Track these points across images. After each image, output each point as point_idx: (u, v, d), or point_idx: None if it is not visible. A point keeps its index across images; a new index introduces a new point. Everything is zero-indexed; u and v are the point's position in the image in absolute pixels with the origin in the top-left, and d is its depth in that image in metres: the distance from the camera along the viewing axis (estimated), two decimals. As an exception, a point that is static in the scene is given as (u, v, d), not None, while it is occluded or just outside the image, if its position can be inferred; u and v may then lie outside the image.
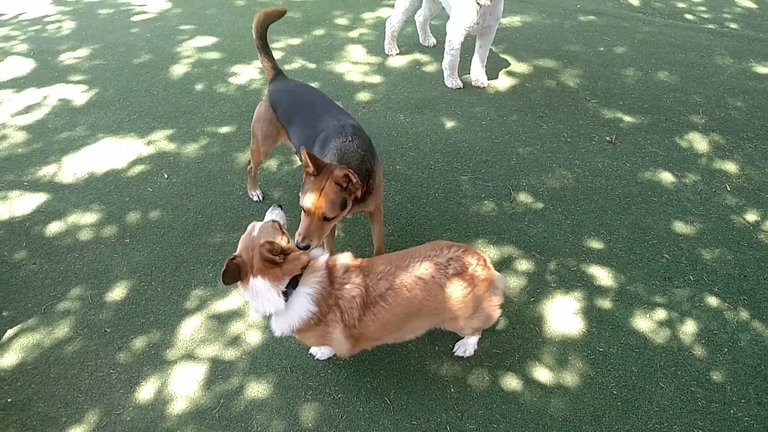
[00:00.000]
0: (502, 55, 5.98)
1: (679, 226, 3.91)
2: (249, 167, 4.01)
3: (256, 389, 2.96)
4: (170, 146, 4.62)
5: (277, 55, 5.95)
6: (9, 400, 2.91)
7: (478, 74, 5.43)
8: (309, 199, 2.70)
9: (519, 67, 5.79)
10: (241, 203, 4.08)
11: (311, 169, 2.69)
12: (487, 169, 4.42)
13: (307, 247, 2.69)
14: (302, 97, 3.42)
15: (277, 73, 3.63)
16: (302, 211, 2.76)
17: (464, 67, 5.58)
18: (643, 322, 3.30)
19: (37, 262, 3.64)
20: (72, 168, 4.38)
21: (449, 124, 4.93)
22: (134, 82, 5.48)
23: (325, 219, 2.74)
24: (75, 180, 4.27)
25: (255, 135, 3.67)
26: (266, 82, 5.11)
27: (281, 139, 3.62)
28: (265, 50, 3.60)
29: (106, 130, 4.80)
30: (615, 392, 2.96)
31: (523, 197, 4.16)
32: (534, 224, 3.93)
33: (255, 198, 4.10)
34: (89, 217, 3.95)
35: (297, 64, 5.82)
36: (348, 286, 2.52)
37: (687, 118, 4.99)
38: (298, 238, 2.71)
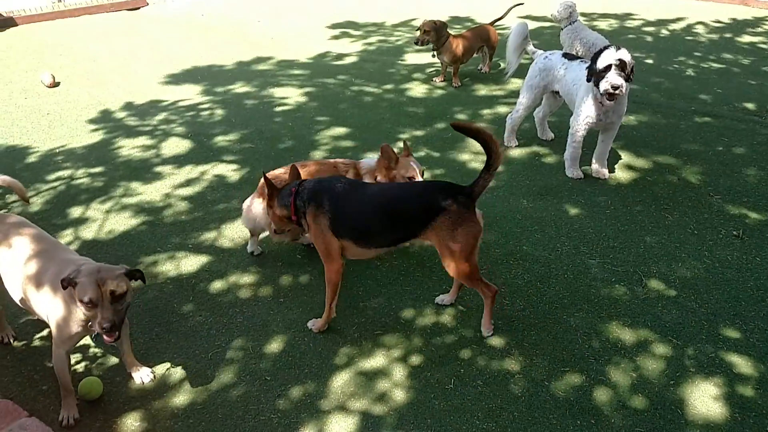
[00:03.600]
0: (620, 151, 6.21)
1: (819, 320, 3.88)
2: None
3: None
4: (313, 220, 5.07)
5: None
6: (184, 433, 3.23)
7: (599, 165, 5.67)
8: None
9: (638, 162, 6.00)
10: (378, 271, 4.40)
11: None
12: (615, 254, 4.57)
13: None
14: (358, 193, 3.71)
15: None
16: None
17: (584, 160, 5.84)
18: (791, 413, 3.26)
19: (202, 315, 4.05)
20: (230, 234, 4.89)
21: (573, 210, 5.15)
22: (280, 163, 6.03)
23: None
24: (233, 245, 4.76)
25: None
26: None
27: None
28: None
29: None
30: (766, 478, 2.93)
31: (655, 284, 4.25)
32: (668, 310, 4.00)
33: None
34: (247, 278, 4.38)
35: (422, 152, 6.28)
36: None
37: (817, 217, 4.98)
38: None
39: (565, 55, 5.75)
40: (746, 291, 4.16)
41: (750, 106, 7.62)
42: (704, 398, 3.36)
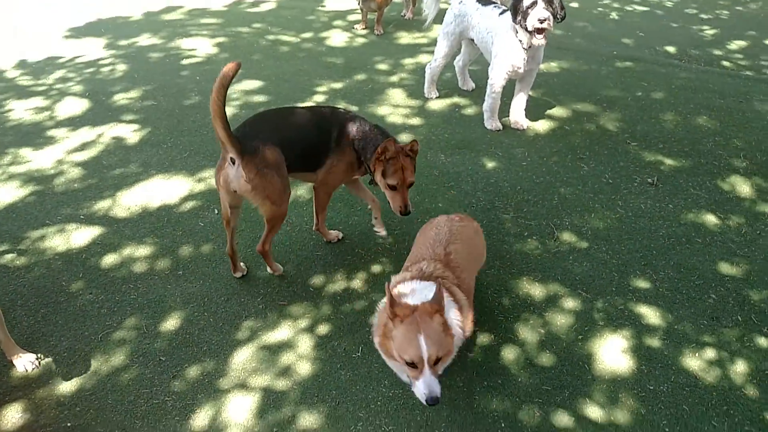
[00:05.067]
0: (540, 100, 6.10)
1: (725, 267, 3.91)
2: (266, 246, 3.68)
3: (308, 419, 3.00)
4: (219, 183, 4.78)
5: (320, 98, 6.17)
6: (68, 424, 2.99)
7: (517, 117, 5.54)
8: (397, 177, 3.46)
9: (558, 111, 5.90)
10: (287, 237, 4.19)
11: (391, 152, 3.42)
12: (530, 208, 4.48)
13: (410, 213, 3.58)
14: (286, 111, 3.74)
15: (237, 138, 3.29)
16: (390, 189, 3.52)
17: (503, 110, 5.69)
18: (693, 361, 3.27)
19: (93, 293, 3.76)
20: (126, 203, 4.55)
21: (490, 164, 5.02)
22: (185, 122, 5.70)
23: (409, 185, 3.55)
24: (129, 214, 4.43)
25: (280, 192, 3.42)
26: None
27: None
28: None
29: (158, 167, 4.99)
30: (667, 430, 2.93)
31: (567, 236, 4.20)
32: (579, 263, 3.96)
33: (279, 270, 3.92)
34: (143, 250, 4.08)
35: (340, 106, 6.00)
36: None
37: (728, 162, 5.01)
38: (401, 208, 3.54)
39: (480, 0, 5.50)
40: (658, 240, 4.16)
41: (671, 49, 7.63)
42: (612, 352, 3.34)
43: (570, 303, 3.66)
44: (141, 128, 5.60)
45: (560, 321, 3.54)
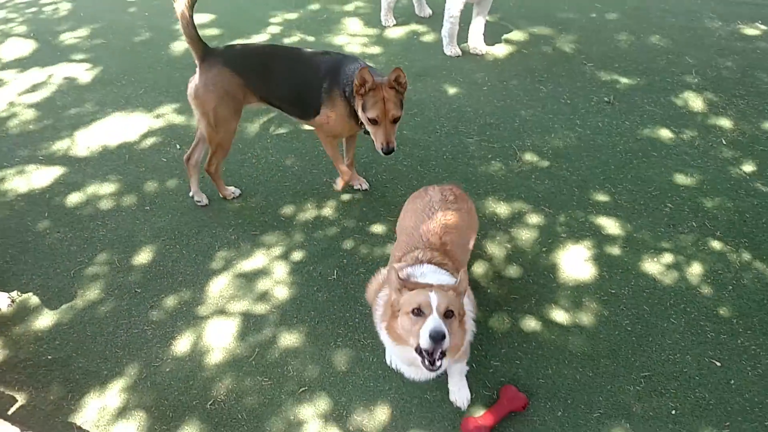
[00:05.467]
0: (497, 24, 6.09)
1: (680, 178, 4.08)
2: (211, 168, 3.68)
3: (289, 339, 3.09)
4: (179, 119, 4.70)
5: (274, 29, 6.04)
6: (49, 357, 3.01)
7: (476, 42, 5.55)
8: (377, 109, 3.12)
9: (515, 35, 5.92)
10: (254, 169, 4.18)
11: (370, 83, 3.09)
12: (492, 131, 4.55)
13: (393, 150, 3.22)
14: (270, 50, 3.58)
15: (206, 47, 3.36)
16: (372, 124, 3.19)
17: (462, 36, 5.68)
18: (652, 266, 3.46)
19: (61, 231, 3.72)
20: (85, 142, 4.45)
21: (451, 90, 5.05)
22: (137, 59, 5.53)
23: (394, 121, 3.22)
24: (90, 153, 4.34)
25: (220, 118, 3.42)
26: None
27: (245, 104, 3.54)
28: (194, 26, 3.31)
29: (114, 106, 4.86)
30: (629, 329, 3.12)
31: (529, 156, 4.30)
32: (541, 181, 4.08)
33: (233, 194, 3.95)
34: (108, 188, 4.03)
35: (296, 37, 5.90)
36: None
37: (681, 78, 5.15)
38: (383, 145, 3.20)
39: None
40: (615, 155, 4.29)
41: (622, -28, 7.64)
42: (575, 261, 3.50)
43: (534, 219, 3.79)
44: (93, 67, 5.41)
45: (525, 236, 3.67)
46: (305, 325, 3.15)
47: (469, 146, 4.42)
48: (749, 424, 2.70)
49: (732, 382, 2.87)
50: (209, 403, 2.81)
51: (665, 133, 4.49)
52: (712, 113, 4.71)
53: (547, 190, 4.00)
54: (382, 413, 2.76)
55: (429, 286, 2.28)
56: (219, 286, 3.37)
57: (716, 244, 3.59)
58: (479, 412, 2.71)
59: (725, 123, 4.60)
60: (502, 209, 3.85)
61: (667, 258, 3.51)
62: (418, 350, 2.18)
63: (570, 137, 4.47)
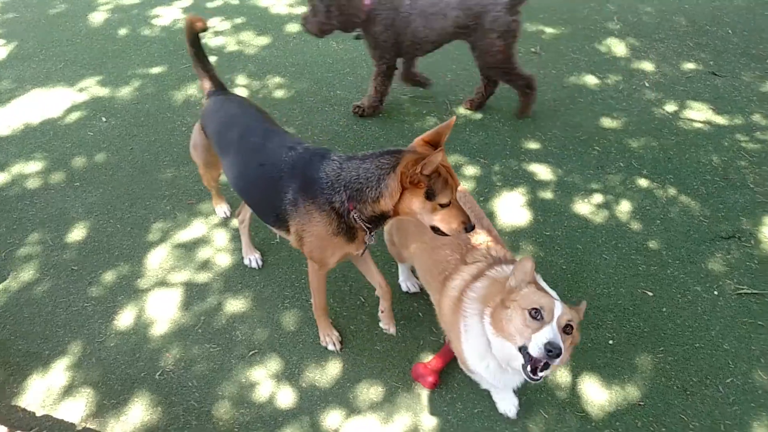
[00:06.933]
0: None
1: (606, 122, 4.22)
2: (214, 202, 3.54)
3: (235, 305, 3.08)
4: (103, 91, 4.53)
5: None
6: (-14, 342, 2.92)
7: None
8: (450, 188, 2.20)
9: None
10: (185, 138, 4.09)
11: (433, 164, 2.08)
12: (425, 88, 4.58)
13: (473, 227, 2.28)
14: (235, 119, 2.71)
15: (214, 86, 2.90)
16: (441, 209, 2.19)
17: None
18: (583, 207, 3.59)
19: (-14, 214, 3.57)
20: (5, 120, 4.25)
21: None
22: (54, 32, 5.27)
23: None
24: (12, 132, 4.15)
25: (196, 162, 3.14)
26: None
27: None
28: (200, 59, 2.90)
29: (33, 82, 4.64)
30: (564, 267, 3.25)
31: (463, 110, 4.36)
32: (475, 133, 4.15)
33: (222, 215, 3.59)
34: (34, 166, 3.87)
35: (219, 1, 5.74)
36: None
37: (603, 26, 5.29)
38: (465, 225, 2.23)
39: None
40: (544, 104, 4.40)
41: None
42: (511, 207, 3.60)
43: (471, 170, 3.86)
44: (7, 42, 5.14)
45: (463, 186, 3.74)
46: (251, 290, 3.15)
47: (404, 103, 4.44)
48: (681, 347, 2.87)
49: (664, 309, 3.04)
50: (158, 374, 2.79)
51: (591, 80, 4.62)
52: (634, 58, 4.87)
53: (482, 142, 4.07)
54: (333, 368, 2.80)
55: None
56: (158, 258, 3.31)
57: (643, 182, 3.75)
58: (428, 358, 2.78)
59: (647, 66, 4.76)
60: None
61: (598, 198, 3.65)
62: (524, 352, 1.97)
63: (500, 89, 4.54)
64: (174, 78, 4.66)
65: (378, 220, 2.33)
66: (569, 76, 4.67)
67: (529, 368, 1.95)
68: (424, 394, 2.68)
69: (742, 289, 3.13)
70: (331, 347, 2.87)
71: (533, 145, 4.04)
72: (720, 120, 4.22)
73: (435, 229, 2.29)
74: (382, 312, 2.79)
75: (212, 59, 3.82)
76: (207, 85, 2.91)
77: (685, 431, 2.55)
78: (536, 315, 1.94)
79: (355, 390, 2.71)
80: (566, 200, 3.65)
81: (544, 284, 2.27)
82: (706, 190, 3.69)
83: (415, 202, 2.21)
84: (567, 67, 4.77)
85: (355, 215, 2.29)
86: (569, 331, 1.96)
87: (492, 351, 2.14)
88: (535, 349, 1.89)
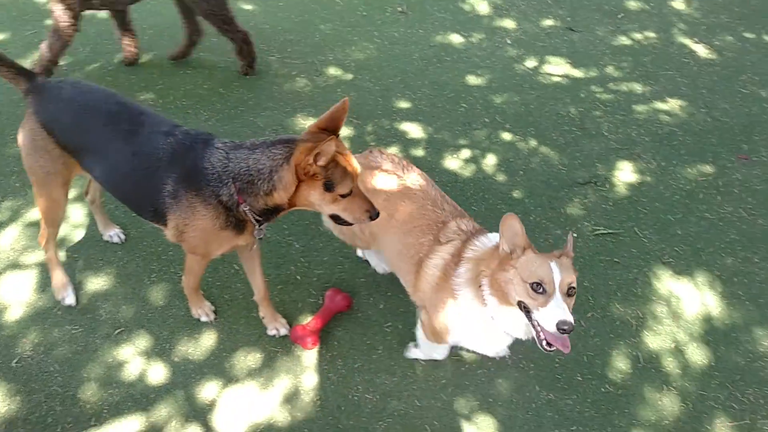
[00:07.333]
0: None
1: (472, 79, 4.34)
2: (43, 243, 2.72)
3: (96, 283, 2.89)
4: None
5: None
6: None
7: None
8: (348, 177, 2.10)
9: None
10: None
11: (328, 152, 1.98)
12: (293, 47, 4.48)
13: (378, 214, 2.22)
14: (95, 106, 2.33)
15: (32, 79, 2.37)
16: (341, 199, 2.13)
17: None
18: (452, 162, 3.69)
19: None
20: None
21: (247, 7, 4.85)
22: None
23: None
24: None
25: (33, 177, 2.49)
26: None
27: (76, 173, 2.51)
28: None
29: None
30: (437, 221, 3.33)
31: (333, 70, 4.31)
32: (346, 93, 4.11)
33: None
34: None
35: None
36: None
37: (468, -15, 5.40)
38: (370, 212, 2.18)
39: None
40: (412, 63, 4.44)
41: None
42: (384, 167, 3.62)
43: (344, 131, 3.68)
44: None
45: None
46: (113, 267, 2.96)
47: (272, 64, 4.32)
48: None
49: (528, 254, 3.20)
50: (14, 361, 2.57)
51: (456, 38, 4.72)
52: (496, 15, 5.02)
53: (353, 102, 4.05)
54: (208, 339, 2.71)
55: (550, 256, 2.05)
56: (9, 239, 3.03)
57: (506, 136, 3.90)
58: (307, 320, 2.76)
59: (509, 24, 4.93)
60: (311, 125, 3.84)
61: (465, 153, 3.76)
62: (535, 325, 1.98)
63: (369, 49, 4.54)
64: (19, 46, 4.24)
65: (271, 212, 2.20)
66: (435, 35, 4.74)
67: (545, 343, 1.97)
68: (304, 355, 2.67)
69: (599, 230, 3.36)
70: (204, 318, 2.78)
71: (404, 104, 4.08)
72: (576, 73, 4.47)
73: (336, 219, 2.23)
74: (264, 318, 2.73)
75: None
76: (19, 79, 2.36)
77: (552, 365, 2.72)
78: (538, 288, 1.93)
79: (231, 359, 2.65)
80: (437, 157, 3.72)
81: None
82: (564, 140, 3.90)
83: (313, 195, 2.12)
84: (433, 26, 4.83)
85: (245, 208, 2.15)
86: (572, 293, 1.98)
87: (495, 321, 2.14)
88: (548, 327, 1.90)
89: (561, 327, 1.86)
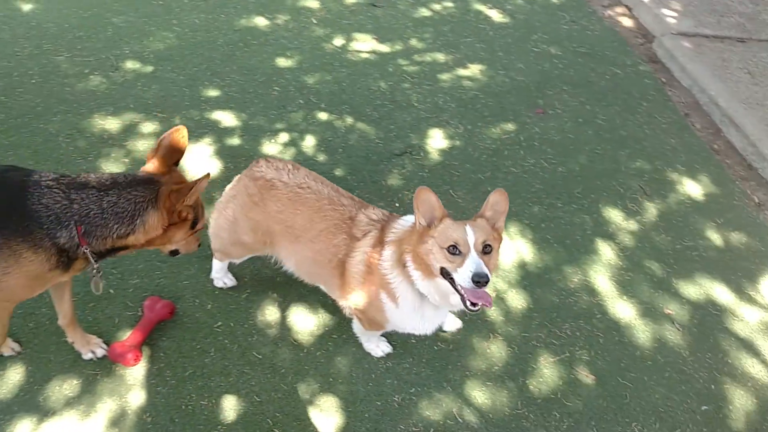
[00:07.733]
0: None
1: (282, 61, 4.26)
2: None
3: None
4: None
5: None
6: None
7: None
8: (201, 211, 2.21)
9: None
10: None
11: (194, 196, 2.03)
12: (84, 44, 4.13)
13: None
14: None
15: None
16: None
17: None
18: (271, 147, 3.61)
19: None
20: None
21: (26, 7, 4.38)
22: None
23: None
24: None
25: None
26: None
27: None
28: None
29: None
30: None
31: (130, 64, 4.03)
32: (148, 87, 3.87)
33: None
34: None
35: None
36: None
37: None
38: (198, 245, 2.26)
39: None
40: (218, 49, 4.27)
41: None
42: (200, 158, 3.46)
43: (149, 127, 3.60)
44: None
45: (143, 146, 3.48)
46: None
47: (61, 64, 3.94)
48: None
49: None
50: None
51: (261, 21, 4.61)
52: (292, -4, 4.97)
53: (157, 95, 3.82)
54: (14, 374, 2.44)
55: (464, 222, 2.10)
56: None
57: (323, 115, 3.89)
58: (126, 335, 2.57)
59: (313, 4, 4.90)
60: (112, 124, 3.57)
61: (284, 137, 3.70)
62: (458, 289, 2.04)
63: (170, 38, 4.30)
64: None
65: (114, 252, 2.06)
66: (239, 19, 4.59)
67: (469, 303, 2.03)
68: (128, 373, 2.49)
69: (418, 197, 3.46)
70: (6, 352, 2.49)
71: (213, 93, 3.91)
72: (383, 48, 4.55)
73: (174, 253, 2.22)
74: (74, 343, 2.49)
75: None
76: None
77: (386, 334, 2.78)
78: (454, 251, 2.01)
79: (45, 391, 2.41)
80: (254, 143, 3.62)
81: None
82: (378, 114, 3.97)
83: (179, 234, 2.10)
84: (235, 10, 4.68)
85: (86, 249, 1.95)
86: (488, 250, 2.04)
87: (428, 297, 2.19)
88: (465, 283, 1.96)
89: (476, 279, 1.93)
